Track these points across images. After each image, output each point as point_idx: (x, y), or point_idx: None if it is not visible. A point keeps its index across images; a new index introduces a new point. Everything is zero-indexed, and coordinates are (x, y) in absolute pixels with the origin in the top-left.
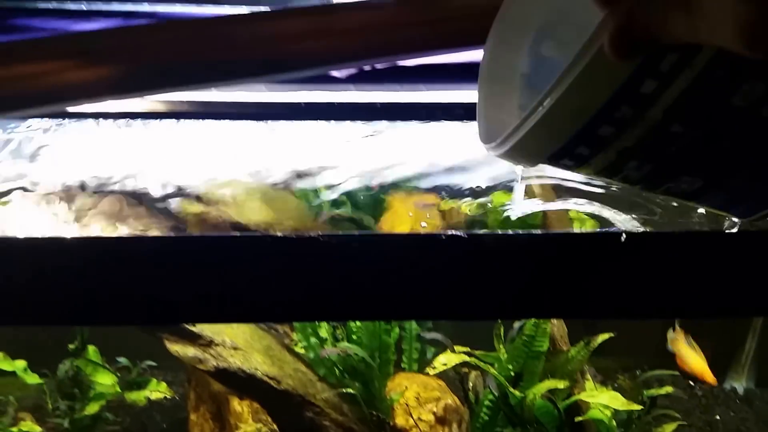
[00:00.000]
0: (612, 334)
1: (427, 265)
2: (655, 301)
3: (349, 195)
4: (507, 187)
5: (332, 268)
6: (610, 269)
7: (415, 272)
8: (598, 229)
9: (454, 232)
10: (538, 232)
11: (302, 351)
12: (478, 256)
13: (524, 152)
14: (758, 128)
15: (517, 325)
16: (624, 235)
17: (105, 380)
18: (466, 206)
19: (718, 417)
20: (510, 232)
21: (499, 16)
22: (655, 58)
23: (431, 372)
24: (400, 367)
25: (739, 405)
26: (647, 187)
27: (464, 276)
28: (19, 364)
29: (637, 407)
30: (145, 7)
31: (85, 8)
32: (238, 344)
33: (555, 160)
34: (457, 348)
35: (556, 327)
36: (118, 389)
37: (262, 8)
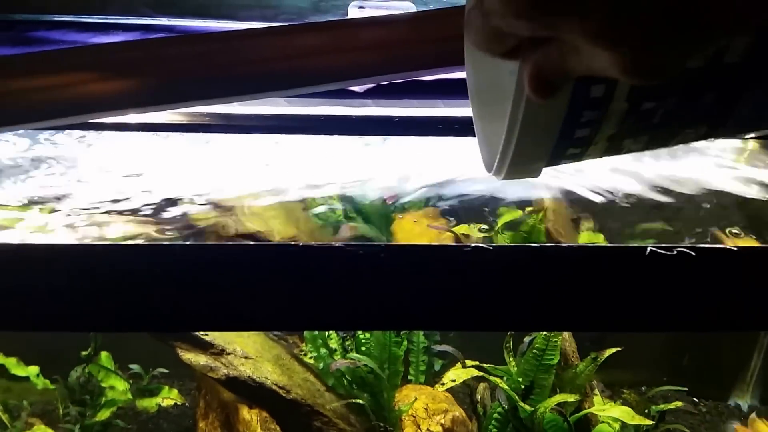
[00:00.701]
0: (620, 348)
1: (453, 275)
2: (678, 314)
3: (360, 211)
4: (517, 203)
5: (358, 277)
6: (634, 283)
7: (440, 282)
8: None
9: (479, 244)
10: (565, 245)
11: (311, 361)
12: (503, 268)
13: (521, 171)
14: (729, 74)
15: (527, 339)
16: (648, 249)
17: (117, 386)
18: (475, 228)
19: None
20: (536, 245)
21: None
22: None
23: (440, 388)
24: (407, 379)
25: (744, 422)
26: (658, 147)
27: (489, 287)
28: (32, 370)
29: (648, 422)
30: (163, 21)
31: (103, 22)
32: (248, 353)
33: (555, 163)
34: (467, 362)
35: (567, 342)
36: (130, 396)
37: (279, 24)
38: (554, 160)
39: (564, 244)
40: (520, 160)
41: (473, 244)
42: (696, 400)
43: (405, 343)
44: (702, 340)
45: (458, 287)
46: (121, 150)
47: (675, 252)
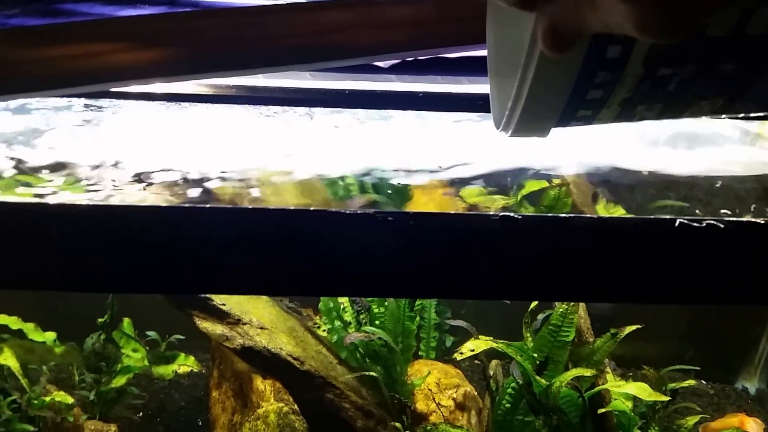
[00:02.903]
0: (640, 326)
1: (478, 244)
2: (706, 286)
3: (376, 185)
4: (539, 176)
5: (387, 244)
6: (663, 254)
7: (468, 250)
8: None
9: (506, 212)
10: (594, 216)
11: (324, 334)
12: (532, 237)
13: (529, 129)
14: (750, 46)
15: (541, 316)
16: (678, 221)
17: (135, 353)
18: (486, 197)
19: None
20: (564, 214)
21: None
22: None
23: (459, 358)
24: (418, 355)
25: (751, 405)
26: (671, 117)
27: (517, 256)
28: (49, 336)
29: (664, 398)
30: None
31: None
32: (264, 324)
33: (564, 125)
34: (481, 337)
35: (583, 318)
36: (147, 363)
37: None
38: (564, 120)
39: (594, 215)
40: (529, 117)
41: (501, 213)
42: (704, 382)
43: (417, 318)
44: (710, 323)
45: (486, 255)
46: (142, 120)
47: (704, 224)
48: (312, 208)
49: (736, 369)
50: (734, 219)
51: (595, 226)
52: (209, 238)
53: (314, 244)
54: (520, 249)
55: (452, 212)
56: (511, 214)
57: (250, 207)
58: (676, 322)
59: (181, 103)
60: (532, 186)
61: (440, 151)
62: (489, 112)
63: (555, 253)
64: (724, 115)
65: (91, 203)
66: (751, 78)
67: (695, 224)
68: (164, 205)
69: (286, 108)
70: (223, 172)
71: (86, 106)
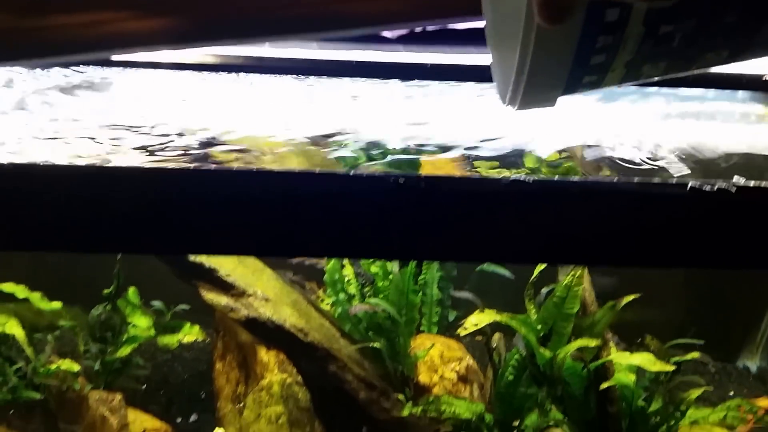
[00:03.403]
0: (637, 295)
1: (490, 208)
2: (716, 251)
3: (384, 155)
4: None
5: (398, 207)
6: (673, 218)
7: (479, 214)
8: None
9: (518, 176)
10: (606, 179)
11: (328, 307)
12: (543, 201)
13: (535, 101)
14: None
15: (545, 290)
16: (689, 185)
17: (141, 323)
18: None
19: (731, 393)
20: (577, 178)
21: None
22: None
23: (462, 333)
24: (420, 330)
25: (753, 383)
26: (678, 73)
27: (528, 220)
28: (55, 305)
29: (670, 367)
30: None
31: None
32: (268, 296)
33: (571, 92)
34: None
35: (587, 291)
36: (153, 332)
37: None
38: (570, 88)
39: (605, 179)
40: (534, 89)
41: (513, 177)
42: (705, 361)
43: (420, 294)
44: (712, 303)
45: (497, 219)
46: (149, 87)
47: (715, 188)
48: (321, 171)
49: (738, 348)
50: (745, 184)
51: (607, 189)
52: (233, 198)
53: (324, 207)
54: (531, 213)
55: (464, 176)
56: (522, 178)
57: (257, 169)
58: (678, 301)
59: (192, 72)
60: (532, 162)
61: (452, 125)
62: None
63: (566, 217)
64: (737, 61)
65: (83, 164)
66: (756, 24)
67: (706, 188)
68: (159, 167)
69: (289, 77)
70: (225, 141)
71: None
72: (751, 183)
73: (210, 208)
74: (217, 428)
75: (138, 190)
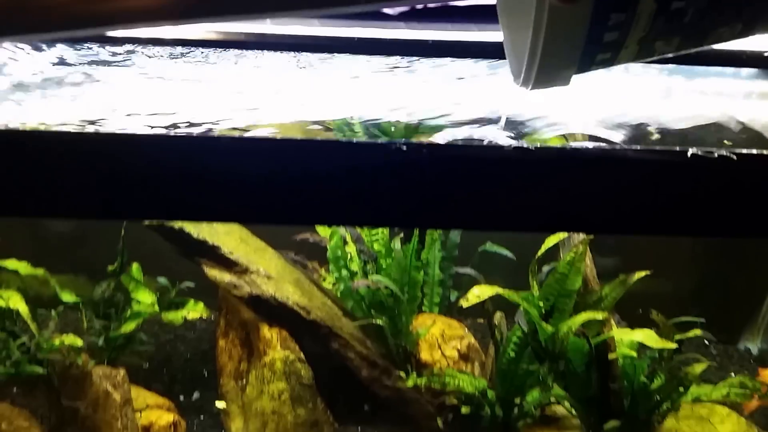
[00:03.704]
0: (648, 272)
1: (492, 175)
2: (718, 218)
3: (384, 132)
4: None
5: (400, 174)
6: (674, 185)
7: (483, 181)
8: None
9: (524, 144)
10: (608, 147)
11: (330, 286)
12: (546, 169)
13: (549, 80)
14: None
15: (546, 268)
16: (690, 152)
17: (145, 299)
18: None
19: (733, 375)
20: (580, 145)
21: None
22: None
23: (465, 304)
24: (421, 310)
25: (754, 365)
26: (691, 48)
27: (532, 187)
28: (60, 280)
29: (672, 345)
30: None
31: None
32: (271, 274)
33: (585, 70)
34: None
35: (589, 267)
36: (157, 308)
37: None
38: (584, 66)
39: (608, 146)
40: (548, 69)
41: (515, 144)
42: (707, 342)
43: (422, 273)
44: (714, 285)
45: (500, 186)
46: (149, 66)
47: (716, 155)
48: (323, 138)
49: (739, 330)
50: (746, 151)
51: (609, 157)
52: (239, 167)
53: (326, 174)
54: (534, 180)
55: (466, 144)
56: (526, 145)
57: (259, 136)
58: (680, 283)
59: (191, 48)
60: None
61: (451, 101)
62: (501, 58)
63: (569, 184)
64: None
65: (82, 131)
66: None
67: (708, 155)
68: (156, 133)
69: (290, 54)
70: (229, 118)
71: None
72: (754, 151)
73: (214, 176)
74: (217, 401)
75: (130, 156)
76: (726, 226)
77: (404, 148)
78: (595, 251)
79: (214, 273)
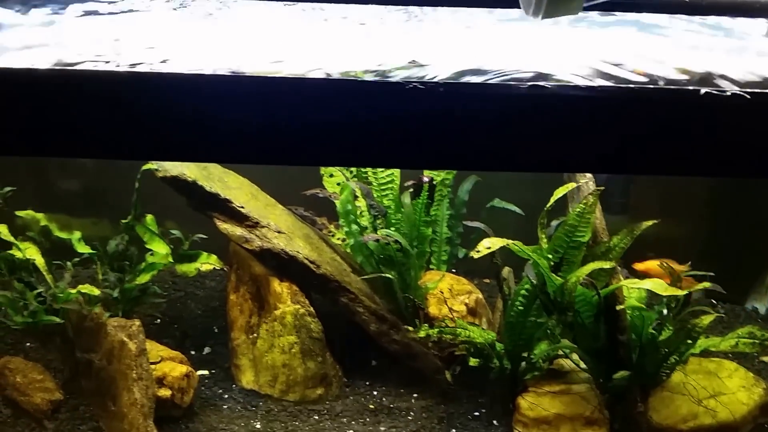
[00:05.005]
0: (656, 221)
1: (509, 112)
2: (730, 157)
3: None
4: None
5: (417, 112)
6: (687, 124)
7: (500, 120)
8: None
9: (537, 83)
10: (622, 86)
11: (339, 242)
12: (561, 107)
13: (560, 8)
14: None
15: (554, 222)
16: (703, 90)
17: (160, 249)
18: None
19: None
20: (592, 83)
21: None
22: None
23: (475, 255)
24: (429, 268)
25: (761, 324)
26: None
27: (548, 127)
28: (75, 235)
29: (681, 292)
30: None
31: None
32: (281, 228)
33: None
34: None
35: (598, 219)
36: (171, 260)
37: None
38: None
39: (622, 85)
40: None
41: (530, 83)
42: (714, 302)
43: (430, 229)
44: (721, 244)
45: (515, 124)
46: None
47: (729, 93)
48: (339, 77)
49: (746, 290)
50: (759, 90)
51: (622, 95)
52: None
53: (345, 114)
54: (549, 119)
55: (482, 82)
56: (541, 83)
57: (275, 75)
58: (687, 243)
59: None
60: None
61: (461, 49)
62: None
63: (584, 122)
64: None
65: (85, 69)
66: None
67: (720, 94)
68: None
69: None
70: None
71: None
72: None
73: (220, 114)
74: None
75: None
76: (740, 164)
77: (421, 86)
78: (604, 203)
79: (226, 227)
